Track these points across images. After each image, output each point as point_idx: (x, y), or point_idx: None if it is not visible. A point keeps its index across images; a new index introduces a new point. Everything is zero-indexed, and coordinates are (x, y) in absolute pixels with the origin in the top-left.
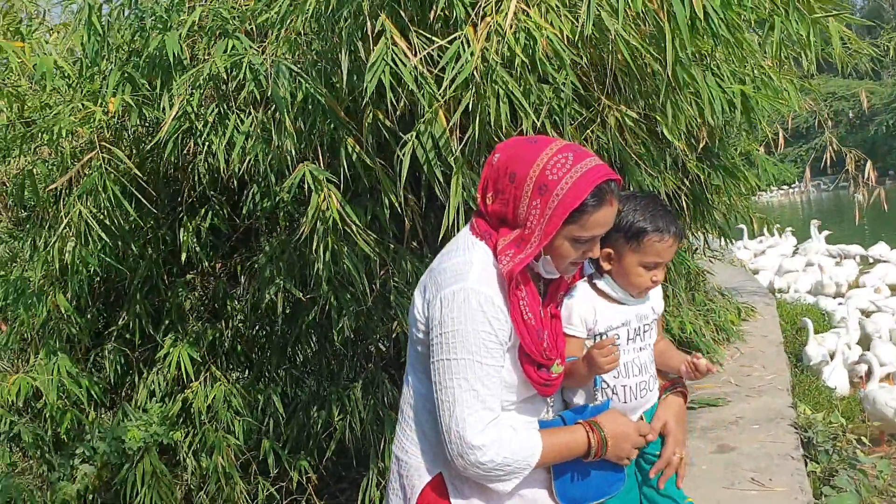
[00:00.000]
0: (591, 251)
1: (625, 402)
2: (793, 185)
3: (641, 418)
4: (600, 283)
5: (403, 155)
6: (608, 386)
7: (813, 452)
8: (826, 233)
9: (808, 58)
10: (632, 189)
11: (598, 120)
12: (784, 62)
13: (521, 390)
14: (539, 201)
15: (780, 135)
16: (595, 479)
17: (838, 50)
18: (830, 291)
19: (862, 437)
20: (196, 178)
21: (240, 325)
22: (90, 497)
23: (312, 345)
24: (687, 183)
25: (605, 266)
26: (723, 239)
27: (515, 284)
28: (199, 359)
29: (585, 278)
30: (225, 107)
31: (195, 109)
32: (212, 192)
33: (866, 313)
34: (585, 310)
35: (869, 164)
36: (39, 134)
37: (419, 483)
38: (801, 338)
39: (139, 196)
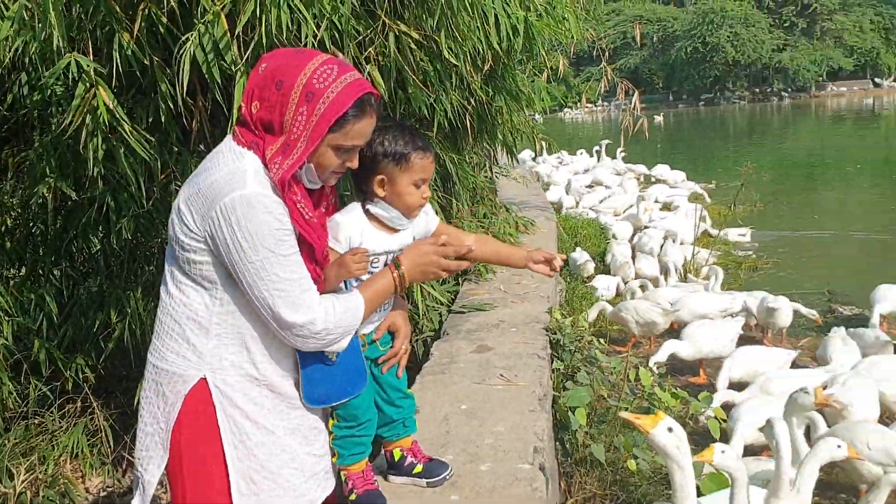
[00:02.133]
0: (351, 161)
1: (374, 311)
2: (597, 105)
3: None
4: (374, 209)
5: (182, 55)
6: None
7: (560, 352)
8: (621, 153)
9: None
10: (416, 108)
11: (380, 38)
12: None
13: None
14: (305, 108)
15: (563, 63)
16: (340, 379)
17: None
18: (611, 208)
19: (601, 339)
20: None
21: (10, 221)
22: None
23: (91, 245)
24: (472, 102)
25: (380, 192)
26: (510, 156)
27: (288, 187)
28: None
29: (359, 203)
30: None
31: None
32: None
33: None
34: (353, 231)
35: (636, 94)
36: None
37: (183, 389)
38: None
39: None
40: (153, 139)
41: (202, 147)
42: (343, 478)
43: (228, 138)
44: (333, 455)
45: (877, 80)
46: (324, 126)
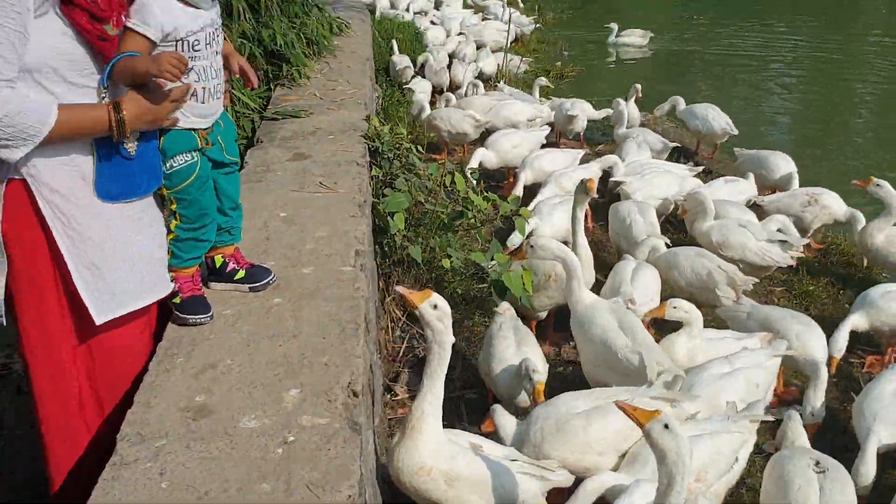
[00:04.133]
0: None
1: (202, 103)
2: None
3: (220, 124)
4: None
5: None
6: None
7: (378, 159)
8: None
9: None
10: None
11: None
12: None
13: (82, 58)
14: None
15: None
16: (139, 176)
17: None
18: (427, 8)
19: (419, 147)
20: None
21: None
22: None
23: None
24: None
25: None
26: None
27: None
28: None
29: None
30: None
31: None
32: None
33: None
34: (163, 15)
35: None
36: None
37: None
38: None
39: None
40: None
41: None
42: (171, 279)
43: None
44: (169, 254)
45: None
46: None
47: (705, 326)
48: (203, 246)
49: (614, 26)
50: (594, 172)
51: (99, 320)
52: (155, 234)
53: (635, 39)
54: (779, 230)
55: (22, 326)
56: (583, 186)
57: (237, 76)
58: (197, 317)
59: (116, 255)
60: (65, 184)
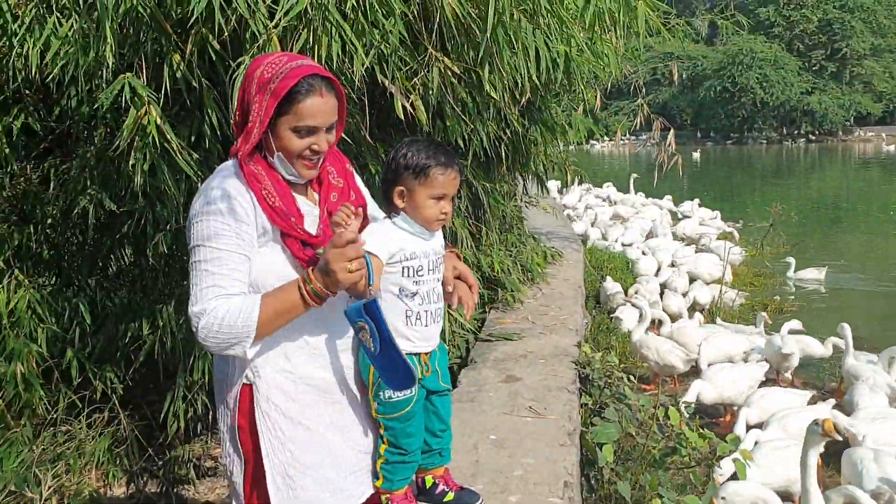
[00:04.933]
0: (318, 144)
1: (426, 326)
2: (623, 138)
3: (436, 351)
4: (397, 221)
5: (237, 76)
6: (413, 313)
7: (588, 387)
8: (641, 194)
9: (619, 32)
10: (452, 138)
11: (426, 69)
12: (608, 28)
13: (295, 276)
14: (259, 96)
15: (598, 96)
16: (401, 369)
17: (642, 28)
18: (638, 241)
19: (631, 377)
20: (10, 74)
21: (50, 230)
22: None
23: (126, 257)
24: (508, 133)
25: (399, 203)
26: (540, 186)
27: (252, 173)
28: (1, 263)
29: (384, 217)
30: (44, 7)
31: (10, 7)
32: (27, 91)
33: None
34: (386, 237)
35: (671, 132)
36: None
37: (235, 394)
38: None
39: None
40: (196, 155)
41: None
42: (385, 501)
43: None
44: (379, 479)
45: None
46: (270, 107)
47: None
48: (411, 466)
49: (791, 261)
50: (825, 414)
51: None
52: (367, 442)
53: (811, 274)
54: None
55: None
56: (817, 428)
57: (455, 308)
58: None
59: (313, 467)
60: (281, 390)
